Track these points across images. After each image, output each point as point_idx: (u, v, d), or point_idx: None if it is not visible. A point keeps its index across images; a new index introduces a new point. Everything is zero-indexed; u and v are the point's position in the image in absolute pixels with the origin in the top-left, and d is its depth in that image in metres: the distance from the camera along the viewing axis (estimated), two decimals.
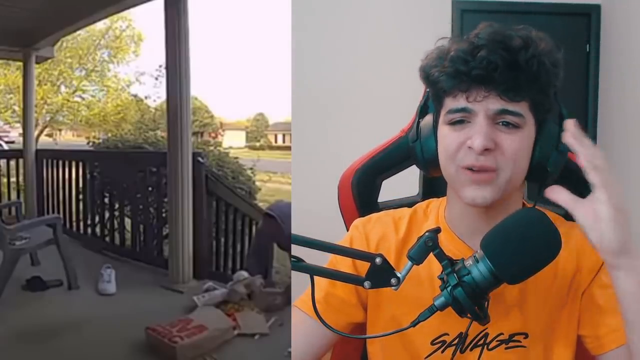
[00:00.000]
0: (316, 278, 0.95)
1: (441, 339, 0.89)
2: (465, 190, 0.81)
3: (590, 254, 0.85)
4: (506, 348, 0.87)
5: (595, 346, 0.85)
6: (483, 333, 0.87)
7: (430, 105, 0.91)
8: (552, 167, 0.82)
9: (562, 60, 0.82)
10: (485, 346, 0.87)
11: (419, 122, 0.91)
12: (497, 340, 0.87)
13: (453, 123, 0.82)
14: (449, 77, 0.80)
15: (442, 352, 0.89)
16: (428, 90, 0.89)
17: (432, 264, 0.77)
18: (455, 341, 0.88)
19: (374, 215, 0.99)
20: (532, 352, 0.86)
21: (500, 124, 0.79)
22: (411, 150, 0.91)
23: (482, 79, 0.78)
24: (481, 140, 0.77)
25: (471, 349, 0.88)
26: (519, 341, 0.86)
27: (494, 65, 0.77)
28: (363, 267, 0.89)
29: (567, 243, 0.77)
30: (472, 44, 0.79)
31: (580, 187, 0.97)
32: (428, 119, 0.90)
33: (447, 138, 0.83)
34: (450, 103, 0.82)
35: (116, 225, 3.68)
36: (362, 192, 1.07)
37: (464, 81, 0.79)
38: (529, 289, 0.76)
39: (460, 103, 0.81)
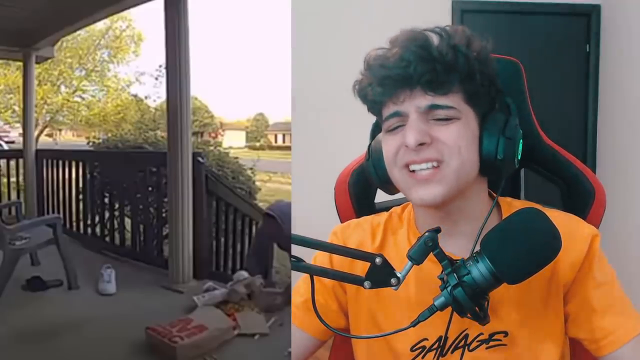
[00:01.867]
0: (298, 284, 0.95)
1: (421, 344, 0.88)
2: (412, 192, 0.81)
3: (571, 244, 0.83)
4: (487, 348, 0.86)
5: (594, 349, 0.85)
6: (463, 334, 0.87)
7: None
8: (502, 153, 0.80)
9: (488, 48, 0.82)
10: (466, 347, 0.87)
11: (370, 144, 0.92)
12: (478, 341, 0.86)
13: (391, 130, 0.82)
14: (375, 86, 0.81)
15: (423, 357, 0.88)
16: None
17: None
18: (435, 345, 0.87)
19: (353, 221, 0.99)
20: (514, 349, 0.86)
21: (435, 119, 0.79)
22: (366, 171, 0.91)
23: (403, 79, 0.78)
24: (413, 134, 0.77)
25: (452, 352, 0.87)
26: (499, 340, 0.86)
27: (407, 61, 0.77)
28: (341, 265, 0.90)
29: None
30: (387, 50, 0.81)
31: (570, 181, 0.99)
32: (378, 137, 0.90)
33: (386, 144, 0.84)
34: (385, 112, 0.83)
35: (116, 225, 3.68)
36: (358, 193, 1.07)
37: (388, 85, 0.79)
38: (506, 285, 0.76)
39: (391, 109, 0.81)
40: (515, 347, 0.86)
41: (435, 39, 0.80)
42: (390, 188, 0.90)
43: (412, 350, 0.89)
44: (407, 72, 0.77)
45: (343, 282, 0.92)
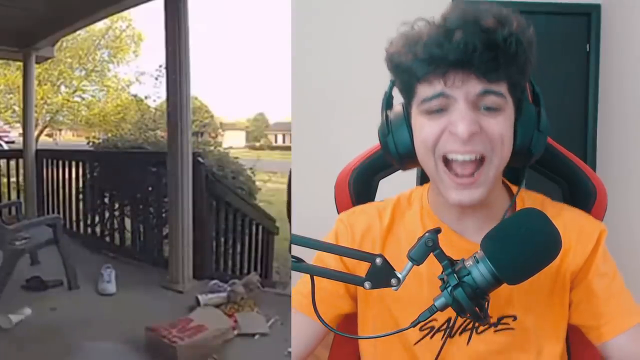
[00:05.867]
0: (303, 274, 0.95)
1: (429, 324, 0.89)
2: (451, 192, 0.79)
3: (580, 237, 0.85)
4: (495, 331, 0.87)
5: (595, 336, 0.85)
6: None
7: (394, 95, 0.88)
8: (535, 148, 0.81)
9: (534, 38, 0.79)
10: (474, 330, 0.87)
11: (387, 115, 0.87)
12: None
13: (430, 112, 0.78)
14: (424, 63, 0.76)
15: (431, 337, 0.89)
16: (392, 79, 0.85)
17: None
18: (444, 326, 0.88)
19: (358, 207, 0.99)
20: (521, 333, 0.87)
21: (482, 108, 0.76)
22: (383, 145, 0.87)
23: (460, 63, 0.74)
24: (466, 124, 0.74)
25: (460, 333, 0.88)
26: (507, 324, 0.87)
27: (472, 46, 0.73)
28: (350, 261, 0.90)
29: (555, 223, 0.74)
30: (444, 27, 0.76)
31: (571, 179, 0.99)
32: (397, 110, 0.86)
33: (425, 128, 0.79)
34: (424, 91, 0.78)
35: (116, 225, 3.68)
36: (359, 192, 1.07)
37: (440, 66, 0.75)
38: None
39: (437, 89, 0.76)
40: (522, 332, 0.87)
41: (495, 22, 0.75)
42: (407, 165, 0.87)
43: (420, 330, 0.89)
44: (471, 58, 0.73)
45: (350, 268, 0.92)
